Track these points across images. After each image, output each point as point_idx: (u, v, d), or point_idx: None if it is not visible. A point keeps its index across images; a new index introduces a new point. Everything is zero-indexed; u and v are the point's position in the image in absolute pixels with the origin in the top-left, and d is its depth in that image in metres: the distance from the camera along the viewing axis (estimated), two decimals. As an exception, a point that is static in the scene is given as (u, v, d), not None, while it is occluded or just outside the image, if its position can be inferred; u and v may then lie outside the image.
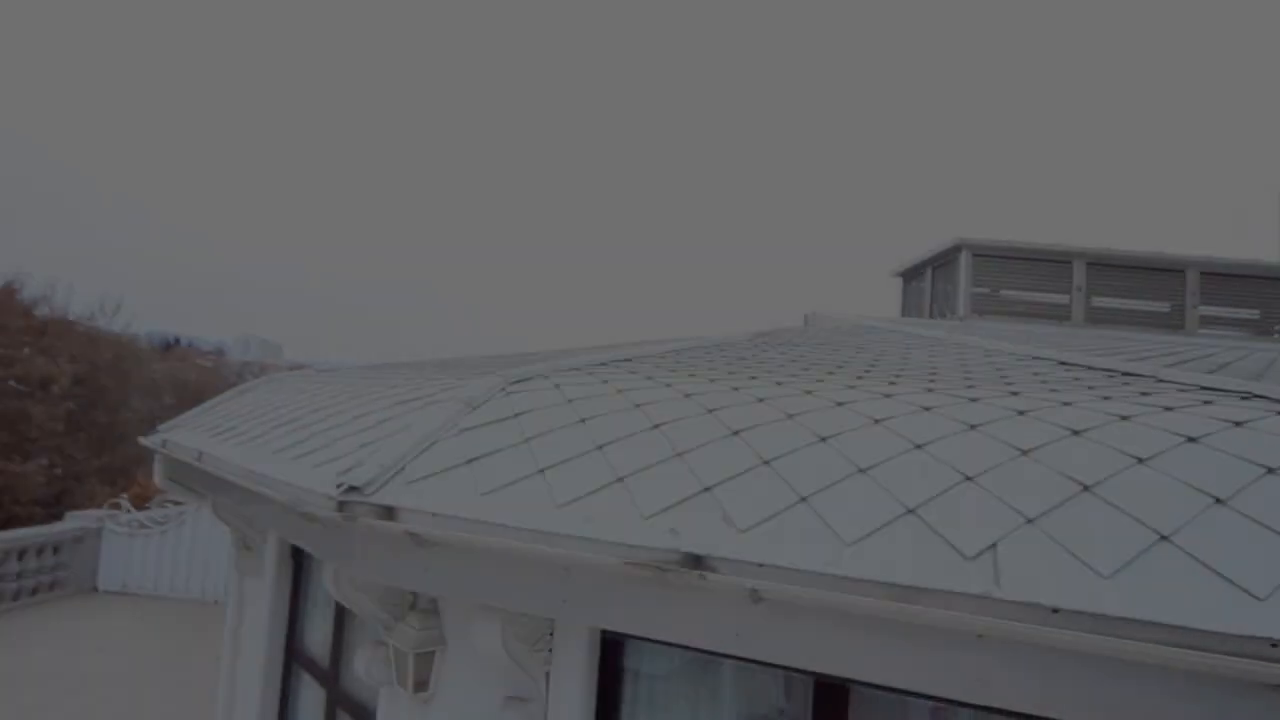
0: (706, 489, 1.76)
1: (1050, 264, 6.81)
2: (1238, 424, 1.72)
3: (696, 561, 1.55)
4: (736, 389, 2.29)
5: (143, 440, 4.04)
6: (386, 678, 2.56)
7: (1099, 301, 6.83)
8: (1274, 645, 1.17)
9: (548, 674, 2.21)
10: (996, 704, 1.43)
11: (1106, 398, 2.02)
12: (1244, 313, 6.84)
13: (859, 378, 2.53)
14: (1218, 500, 1.45)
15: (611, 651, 2.19)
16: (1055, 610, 1.30)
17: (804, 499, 1.66)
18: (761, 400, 2.17)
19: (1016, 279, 6.98)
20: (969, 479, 1.63)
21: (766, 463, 1.82)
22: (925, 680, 1.47)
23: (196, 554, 10.63)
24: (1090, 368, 2.76)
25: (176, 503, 10.98)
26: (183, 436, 3.69)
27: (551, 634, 2.21)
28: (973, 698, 1.40)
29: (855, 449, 1.81)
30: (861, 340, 4.17)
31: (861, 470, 1.72)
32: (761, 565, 1.51)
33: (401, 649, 2.43)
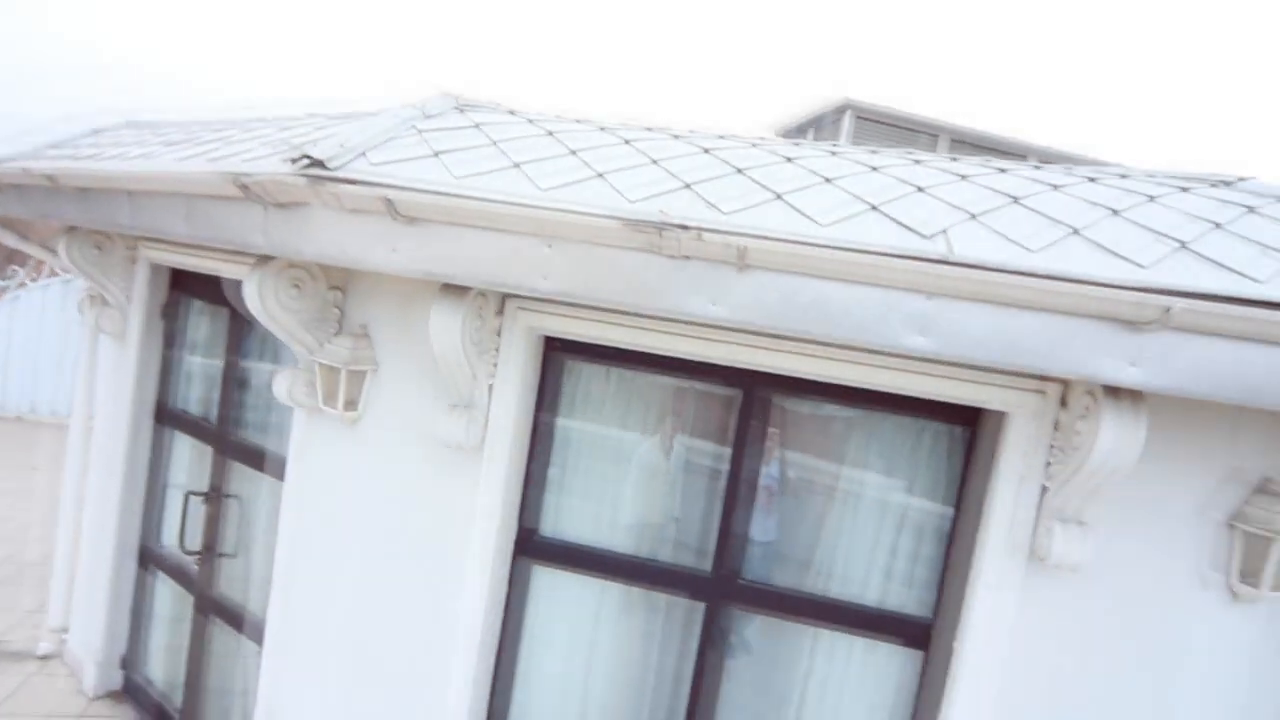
0: (687, 185, 1.85)
1: (923, 135, 7.31)
2: (1123, 176, 2.06)
3: (687, 228, 1.66)
4: (693, 130, 2.37)
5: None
6: (309, 400, 2.53)
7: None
8: (1160, 293, 1.50)
9: (490, 386, 2.30)
10: (936, 356, 1.69)
11: (1022, 158, 2.31)
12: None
13: (796, 145, 2.69)
14: (1114, 211, 1.76)
15: (552, 362, 2.31)
16: (999, 270, 1.56)
17: (779, 195, 1.81)
18: (723, 137, 2.26)
19: (889, 147, 7.45)
20: (921, 190, 1.85)
21: (739, 170, 1.94)
22: (875, 337, 1.70)
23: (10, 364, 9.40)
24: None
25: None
26: (33, 164, 3.22)
27: (499, 350, 2.28)
28: (914, 349, 1.65)
29: (818, 167, 1.97)
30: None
31: (827, 180, 1.89)
32: (746, 234, 1.65)
33: (333, 365, 2.40)
